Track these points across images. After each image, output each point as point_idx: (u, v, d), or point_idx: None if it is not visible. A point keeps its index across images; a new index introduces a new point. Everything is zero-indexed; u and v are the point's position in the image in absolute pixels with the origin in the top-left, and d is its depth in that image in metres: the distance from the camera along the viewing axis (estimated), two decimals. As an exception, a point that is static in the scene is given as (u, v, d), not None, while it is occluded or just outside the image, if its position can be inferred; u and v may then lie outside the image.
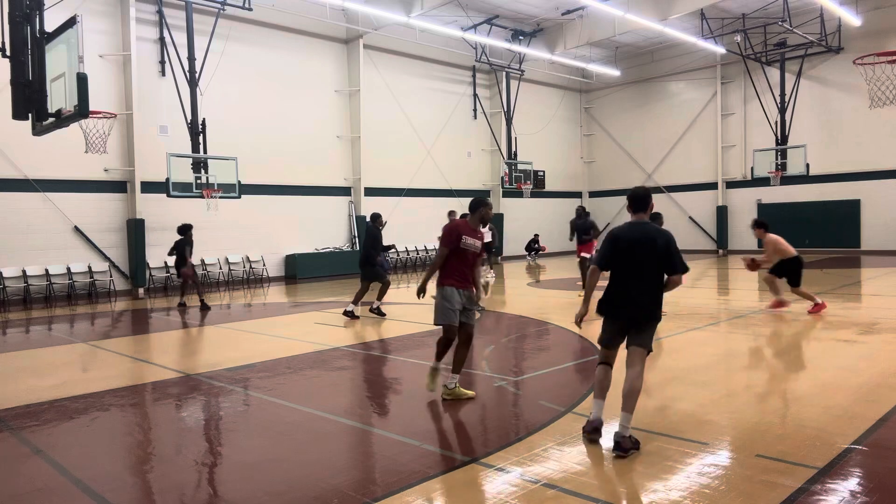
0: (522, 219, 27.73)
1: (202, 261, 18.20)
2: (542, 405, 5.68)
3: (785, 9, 20.98)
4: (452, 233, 5.94)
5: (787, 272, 10.24)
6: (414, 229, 23.90)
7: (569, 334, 9.07)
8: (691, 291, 14.09)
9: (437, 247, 8.50)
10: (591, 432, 4.57)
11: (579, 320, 4.89)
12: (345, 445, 4.87)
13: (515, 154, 25.81)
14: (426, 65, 24.42)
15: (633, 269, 4.61)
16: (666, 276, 4.63)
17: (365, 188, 22.19)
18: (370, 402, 6.14)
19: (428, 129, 24.38)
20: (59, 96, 7.23)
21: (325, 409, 5.73)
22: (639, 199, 4.89)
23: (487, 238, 15.19)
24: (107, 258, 16.80)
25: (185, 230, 13.45)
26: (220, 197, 16.75)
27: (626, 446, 4.25)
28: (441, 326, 5.91)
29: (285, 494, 3.85)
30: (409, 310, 12.71)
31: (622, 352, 4.71)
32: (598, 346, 4.83)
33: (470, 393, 5.89)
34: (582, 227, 13.83)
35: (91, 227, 16.60)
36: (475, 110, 26.34)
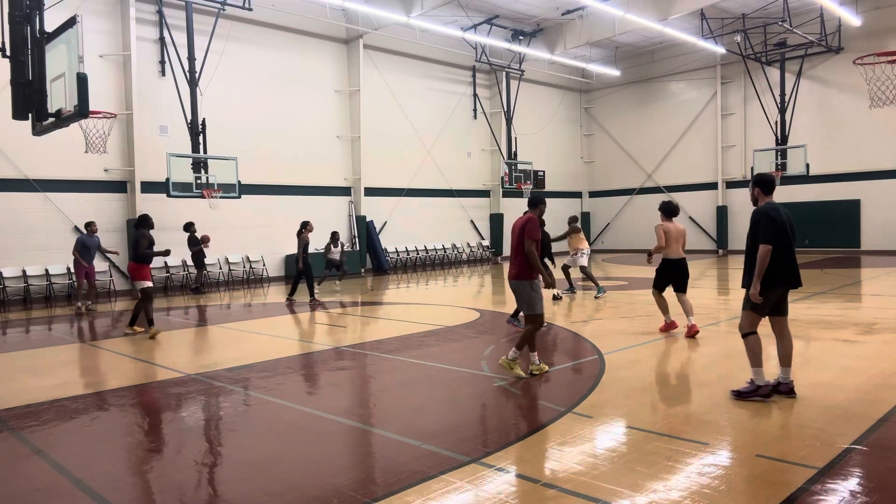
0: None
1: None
2: (542, 405, 5.68)
3: (785, 9, 20.98)
4: (538, 225, 6.51)
5: (672, 277, 8.85)
6: (414, 229, 23.91)
7: (569, 334, 9.07)
8: (691, 291, 14.06)
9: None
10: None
11: None
12: (345, 445, 4.87)
13: (515, 154, 25.81)
14: (426, 65, 24.42)
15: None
16: None
17: (365, 188, 22.18)
18: (370, 402, 6.14)
19: (428, 129, 24.38)
20: (59, 96, 7.23)
21: (325, 409, 5.73)
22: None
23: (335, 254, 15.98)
24: (107, 258, 16.79)
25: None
26: (220, 197, 16.76)
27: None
28: (533, 316, 6.53)
29: (285, 494, 3.85)
30: (410, 310, 12.72)
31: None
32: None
33: (522, 374, 6.47)
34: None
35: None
36: (475, 110, 26.34)
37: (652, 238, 8.83)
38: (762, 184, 5.82)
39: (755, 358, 5.53)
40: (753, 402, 5.38)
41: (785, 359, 5.55)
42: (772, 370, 5.71)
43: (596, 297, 12.88)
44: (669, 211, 8.91)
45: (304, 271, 13.84)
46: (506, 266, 24.14)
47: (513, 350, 6.56)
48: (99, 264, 16.64)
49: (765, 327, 5.62)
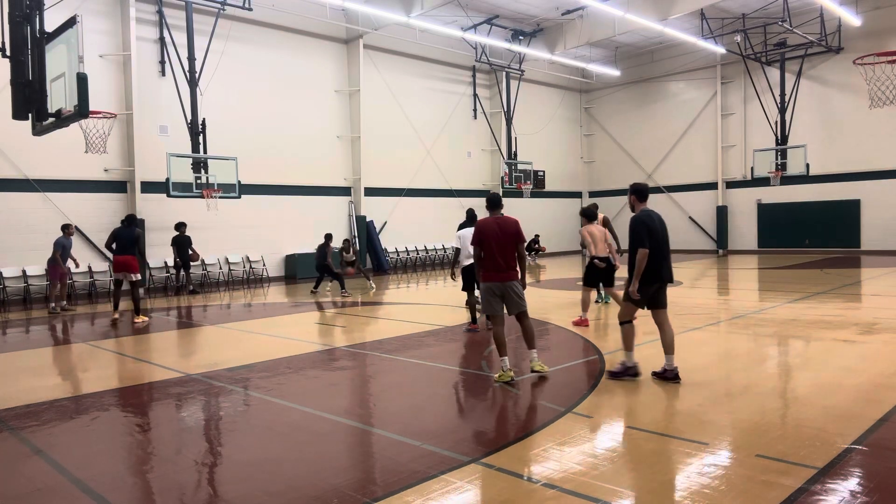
0: (522, 219, 27.40)
1: (202, 261, 18.19)
2: (542, 405, 5.68)
3: (785, 9, 20.98)
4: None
5: (602, 274, 9.69)
6: (414, 229, 23.91)
7: (569, 334, 9.07)
8: (691, 291, 14.09)
9: (462, 248, 9.41)
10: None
11: None
12: (345, 445, 4.87)
13: (515, 154, 25.81)
14: (426, 65, 24.42)
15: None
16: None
17: (365, 188, 22.18)
18: (370, 402, 6.14)
19: (428, 129, 24.38)
20: (59, 96, 7.22)
21: (325, 409, 5.73)
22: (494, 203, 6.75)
23: None
24: (107, 258, 16.78)
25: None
26: (220, 197, 16.75)
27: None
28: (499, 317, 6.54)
29: (285, 494, 3.85)
30: (410, 310, 12.72)
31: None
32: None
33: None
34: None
35: (91, 227, 16.58)
36: (475, 110, 26.34)
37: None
38: (637, 192, 6.54)
39: (628, 343, 6.30)
40: (753, 402, 5.39)
41: (668, 347, 6.16)
42: (658, 361, 5.69)
43: (596, 302, 11.98)
44: (591, 215, 9.92)
45: (328, 269, 15.65)
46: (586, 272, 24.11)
47: (534, 352, 6.58)
48: (99, 264, 16.71)
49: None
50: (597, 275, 9.77)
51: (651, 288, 6.16)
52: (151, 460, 4.61)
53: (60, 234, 13.69)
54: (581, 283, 10.03)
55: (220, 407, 5.91)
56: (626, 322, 6.35)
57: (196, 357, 8.64)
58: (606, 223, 10.68)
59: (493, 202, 6.76)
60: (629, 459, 4.21)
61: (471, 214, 10.23)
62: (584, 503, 3.60)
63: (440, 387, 6.51)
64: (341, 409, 5.79)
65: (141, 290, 11.83)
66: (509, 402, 5.84)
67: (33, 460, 4.61)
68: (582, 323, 9.58)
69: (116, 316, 11.73)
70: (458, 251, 9.55)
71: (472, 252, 6.91)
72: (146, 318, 11.77)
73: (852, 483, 3.77)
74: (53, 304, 13.61)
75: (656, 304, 6.29)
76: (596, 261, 9.66)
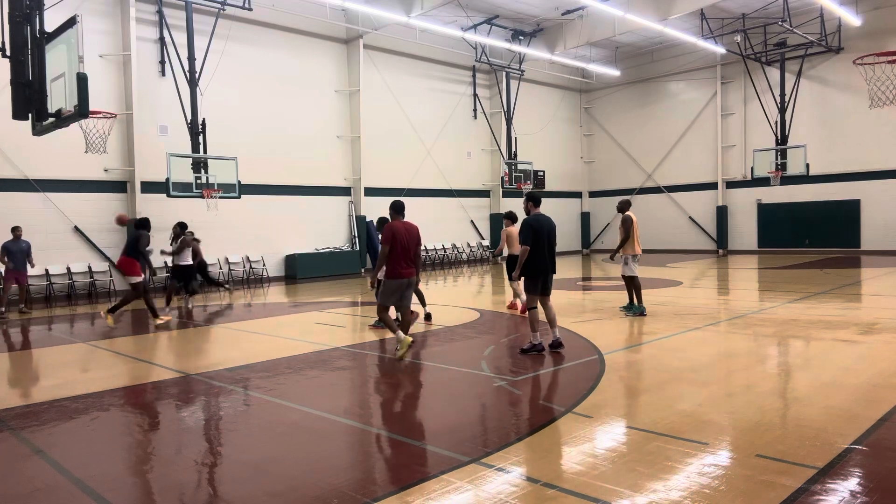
0: (522, 219, 27.66)
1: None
2: (542, 405, 5.68)
3: (785, 9, 20.98)
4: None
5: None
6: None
7: (568, 334, 9.07)
8: (691, 291, 14.09)
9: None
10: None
11: None
12: (345, 445, 4.87)
13: (515, 154, 25.81)
14: (426, 65, 24.42)
15: None
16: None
17: (365, 188, 22.19)
18: (370, 402, 6.14)
19: (428, 129, 24.38)
20: (59, 96, 7.22)
21: (325, 409, 5.73)
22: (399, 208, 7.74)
23: None
24: (107, 258, 16.79)
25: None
26: (220, 197, 16.75)
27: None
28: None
29: (285, 494, 3.85)
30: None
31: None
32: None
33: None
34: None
35: (91, 227, 16.59)
36: (475, 110, 26.34)
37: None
38: (533, 199, 7.98)
39: (534, 325, 7.64)
40: (753, 402, 5.39)
41: (552, 322, 7.75)
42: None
43: (625, 311, 10.93)
44: (515, 217, 11.57)
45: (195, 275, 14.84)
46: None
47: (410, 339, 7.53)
48: (99, 264, 16.70)
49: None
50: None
51: (538, 279, 7.59)
52: (151, 460, 4.61)
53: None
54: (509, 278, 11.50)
55: (220, 407, 5.91)
56: (532, 308, 7.66)
57: (196, 357, 8.64)
58: (625, 221, 10.55)
59: (399, 209, 7.74)
60: (629, 459, 4.21)
61: (383, 220, 10.41)
62: (584, 503, 3.60)
63: (440, 387, 6.51)
64: (341, 409, 5.80)
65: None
66: (509, 402, 5.84)
67: (33, 460, 4.61)
68: (513, 307, 11.65)
69: (159, 322, 11.05)
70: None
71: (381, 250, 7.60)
72: (167, 318, 11.46)
73: (852, 483, 3.77)
74: (3, 309, 13.02)
75: (545, 291, 7.72)
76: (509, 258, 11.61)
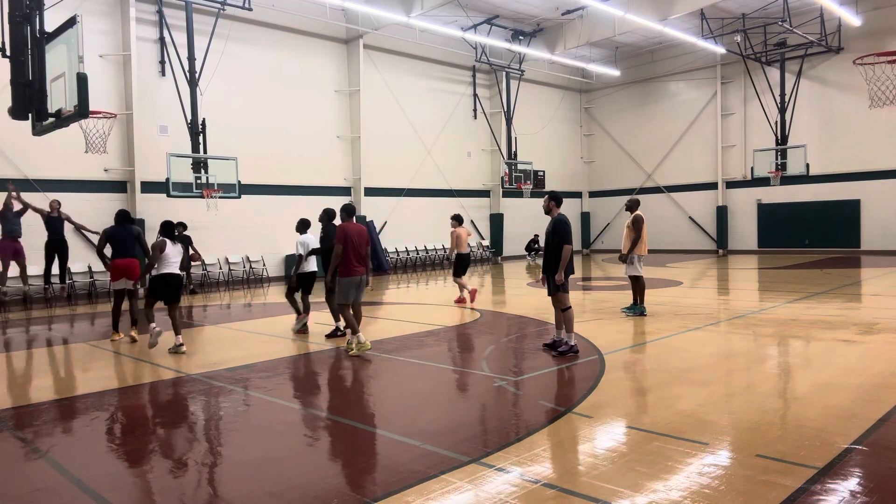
0: (522, 219, 27.72)
1: (202, 261, 18.17)
2: (542, 405, 5.68)
3: (785, 9, 20.98)
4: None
5: (464, 265, 12.80)
6: (414, 229, 23.90)
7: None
8: (691, 291, 14.09)
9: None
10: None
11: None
12: (345, 445, 4.87)
13: (515, 154, 25.81)
14: (426, 65, 24.42)
15: None
16: None
17: (365, 188, 22.18)
18: (370, 402, 6.14)
19: (428, 129, 24.38)
20: (59, 96, 7.21)
21: (325, 409, 5.73)
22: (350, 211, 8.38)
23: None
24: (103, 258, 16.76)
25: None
26: (220, 197, 16.74)
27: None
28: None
29: (285, 494, 3.85)
30: (409, 310, 12.72)
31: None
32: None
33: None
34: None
35: (91, 228, 16.54)
36: (475, 110, 26.34)
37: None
38: (555, 199, 7.73)
39: (571, 325, 7.58)
40: (753, 402, 5.39)
41: (559, 324, 7.75)
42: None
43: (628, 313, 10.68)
44: (461, 219, 13.02)
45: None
46: (506, 266, 24.14)
47: (361, 335, 8.04)
48: (99, 264, 16.67)
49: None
50: (464, 266, 12.81)
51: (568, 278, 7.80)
52: (151, 460, 4.61)
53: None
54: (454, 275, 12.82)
55: (221, 407, 5.91)
56: (567, 308, 7.67)
57: (196, 357, 8.63)
58: (637, 221, 10.42)
59: (350, 212, 8.22)
60: (629, 459, 4.21)
61: (331, 215, 10.61)
62: (584, 503, 3.60)
63: (440, 387, 6.51)
64: (341, 409, 5.79)
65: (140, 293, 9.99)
66: (509, 402, 5.84)
67: (33, 460, 4.61)
68: (462, 301, 12.57)
69: (119, 337, 9.75)
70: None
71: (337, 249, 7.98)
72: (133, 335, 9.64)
73: (852, 483, 3.77)
74: None
75: (564, 288, 7.71)
76: (461, 255, 12.69)
